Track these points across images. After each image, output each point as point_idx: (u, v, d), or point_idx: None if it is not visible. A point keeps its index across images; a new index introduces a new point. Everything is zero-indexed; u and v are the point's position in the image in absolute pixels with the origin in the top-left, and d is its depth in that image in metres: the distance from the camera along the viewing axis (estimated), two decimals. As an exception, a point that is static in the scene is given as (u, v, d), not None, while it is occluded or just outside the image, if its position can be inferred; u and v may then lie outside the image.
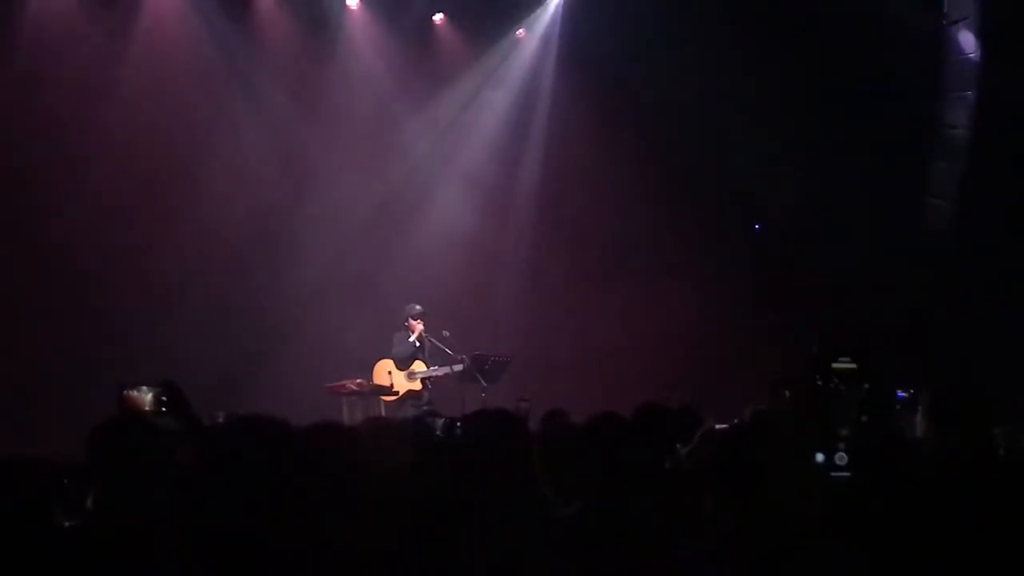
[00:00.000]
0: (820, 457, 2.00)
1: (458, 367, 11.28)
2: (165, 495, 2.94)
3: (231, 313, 12.11)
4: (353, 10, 13.69)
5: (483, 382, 11.03)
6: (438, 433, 3.42)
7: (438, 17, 14.09)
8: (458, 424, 3.45)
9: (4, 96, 11.40)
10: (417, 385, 11.60)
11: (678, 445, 5.65)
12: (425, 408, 10.61)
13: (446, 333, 11.48)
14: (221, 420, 6.44)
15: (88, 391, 8.43)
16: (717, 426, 6.07)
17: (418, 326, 11.64)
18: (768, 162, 12.85)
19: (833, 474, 1.97)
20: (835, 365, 2.03)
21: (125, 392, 4.07)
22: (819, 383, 2.02)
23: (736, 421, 6.11)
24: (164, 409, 3.94)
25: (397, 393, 11.55)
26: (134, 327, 11.44)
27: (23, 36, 11.69)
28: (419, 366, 11.66)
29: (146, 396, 4.04)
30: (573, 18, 14.00)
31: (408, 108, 13.76)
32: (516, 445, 3.83)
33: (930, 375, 6.05)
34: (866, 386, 2.00)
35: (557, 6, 14.26)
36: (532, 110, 14.40)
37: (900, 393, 4.96)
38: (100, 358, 10.50)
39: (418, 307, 11.72)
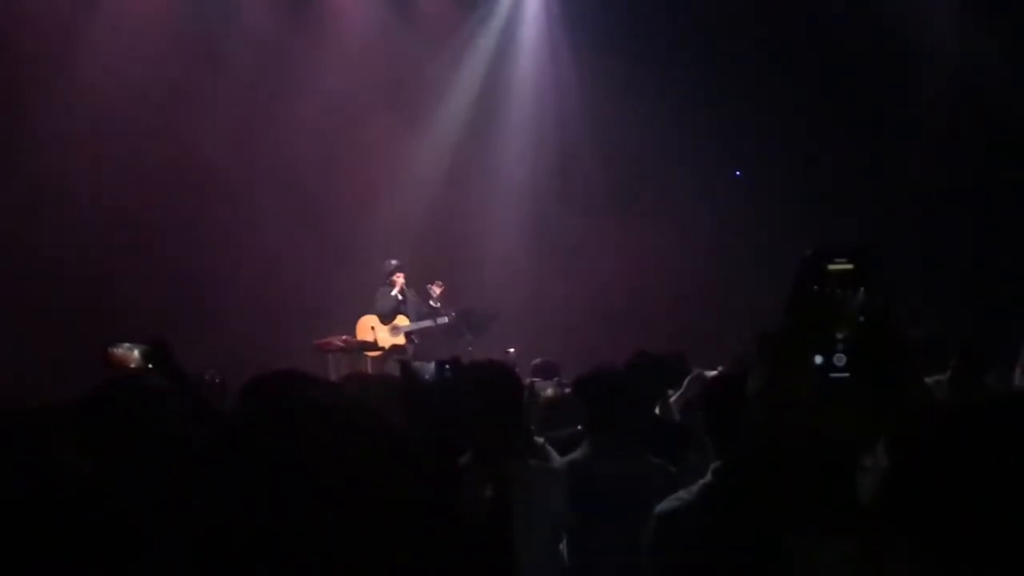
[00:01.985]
0: (818, 359, 1.95)
1: (442, 320, 11.26)
2: (172, 472, 2.89)
3: (213, 274, 12.01)
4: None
5: (469, 335, 11.03)
6: (427, 378, 3.39)
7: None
8: (447, 366, 3.41)
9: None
10: (401, 339, 11.59)
11: (669, 391, 5.68)
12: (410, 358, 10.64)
13: (436, 285, 11.44)
14: (207, 378, 6.42)
15: (73, 354, 8.38)
16: (707, 373, 6.09)
17: (399, 280, 11.61)
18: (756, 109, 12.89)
19: (832, 375, 1.93)
20: (831, 267, 1.97)
21: (110, 350, 4.00)
22: (814, 286, 1.97)
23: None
24: (151, 366, 3.88)
25: (382, 349, 11.53)
26: (115, 291, 11.32)
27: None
28: (402, 320, 11.64)
29: (132, 353, 3.97)
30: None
31: (389, 67, 13.63)
32: (510, 395, 3.82)
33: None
34: (863, 288, 1.95)
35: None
36: (514, 58, 14.32)
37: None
38: (81, 321, 10.39)
39: (394, 261, 11.68)
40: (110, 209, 11.65)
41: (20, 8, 11.56)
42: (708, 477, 3.19)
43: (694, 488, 3.23)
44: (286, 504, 1.64)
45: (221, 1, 12.82)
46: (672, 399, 5.72)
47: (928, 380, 4.62)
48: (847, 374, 1.94)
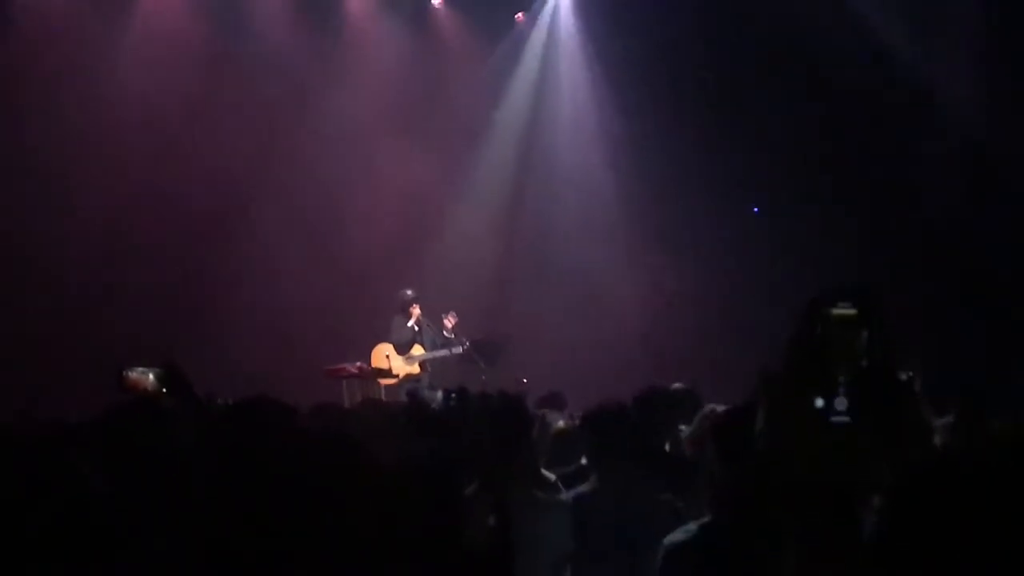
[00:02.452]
0: (819, 402, 1.96)
1: (457, 349, 11.29)
2: (170, 479, 2.95)
3: (227, 298, 12.07)
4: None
5: (482, 364, 11.04)
6: (434, 407, 3.42)
7: (436, 1, 14.09)
8: (453, 395, 3.44)
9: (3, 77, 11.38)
10: (415, 368, 11.61)
11: (681, 427, 5.67)
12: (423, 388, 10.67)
13: (451, 317, 11.47)
14: (220, 403, 6.45)
15: (85, 374, 8.44)
16: (720, 409, 6.09)
17: (415, 311, 11.63)
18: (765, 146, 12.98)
19: (833, 419, 1.94)
20: (834, 311, 1.98)
21: (125, 373, 4.06)
22: (817, 330, 1.98)
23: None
24: (165, 390, 3.93)
25: (396, 377, 11.55)
26: (132, 313, 11.39)
27: (18, 21, 11.66)
28: (417, 349, 11.67)
29: (146, 376, 4.02)
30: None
31: (410, 94, 13.73)
32: (516, 426, 3.85)
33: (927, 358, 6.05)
34: (866, 333, 1.96)
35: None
36: (536, 89, 14.44)
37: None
38: (97, 344, 10.45)
39: (410, 292, 11.71)
40: (124, 230, 11.73)
41: (47, 27, 11.70)
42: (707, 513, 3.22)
43: (700, 522, 3.26)
44: (271, 525, 1.68)
45: (243, 25, 12.92)
46: (684, 435, 5.71)
47: (937, 422, 4.63)
48: (848, 418, 1.95)
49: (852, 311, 1.98)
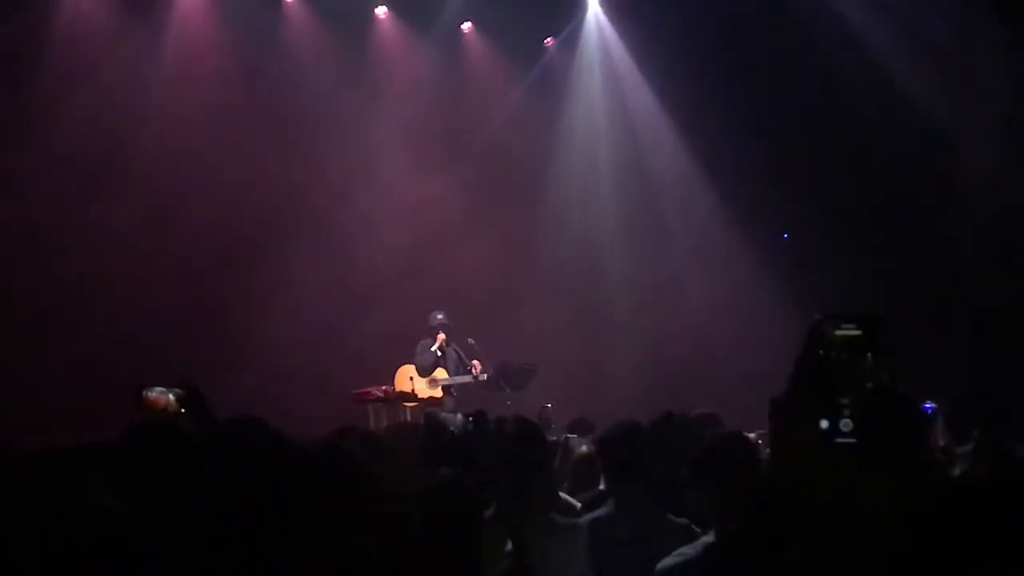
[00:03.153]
0: (824, 424, 1.94)
1: (482, 376, 11.28)
2: (184, 500, 2.95)
3: (253, 319, 12.12)
4: (381, 19, 13.86)
5: (508, 390, 11.02)
6: (452, 430, 3.43)
7: (466, 26, 14.19)
8: (470, 419, 3.45)
9: (38, 100, 11.53)
10: (438, 392, 11.59)
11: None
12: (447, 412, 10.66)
13: (471, 341, 11.48)
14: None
15: (104, 392, 8.51)
16: (748, 435, 6.05)
17: (440, 337, 11.62)
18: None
19: (838, 440, 1.92)
20: (838, 332, 1.97)
21: (144, 393, 4.08)
22: (820, 352, 1.97)
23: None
24: (183, 410, 3.95)
25: (420, 400, 11.55)
26: (155, 334, 11.46)
27: (56, 41, 11.83)
28: (441, 373, 11.66)
29: (165, 397, 4.05)
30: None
31: (437, 116, 13.80)
32: (534, 450, 3.83)
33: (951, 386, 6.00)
34: (871, 354, 1.94)
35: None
36: (559, 117, 14.49)
37: (926, 405, 4.92)
38: (119, 365, 10.51)
39: (440, 316, 11.70)
40: (148, 251, 11.83)
41: (82, 49, 11.88)
42: (711, 536, 3.23)
43: (698, 544, 3.28)
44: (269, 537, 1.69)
45: (273, 47, 13.07)
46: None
47: (958, 450, 4.59)
48: (853, 440, 1.93)
49: (856, 332, 1.96)
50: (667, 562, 3.38)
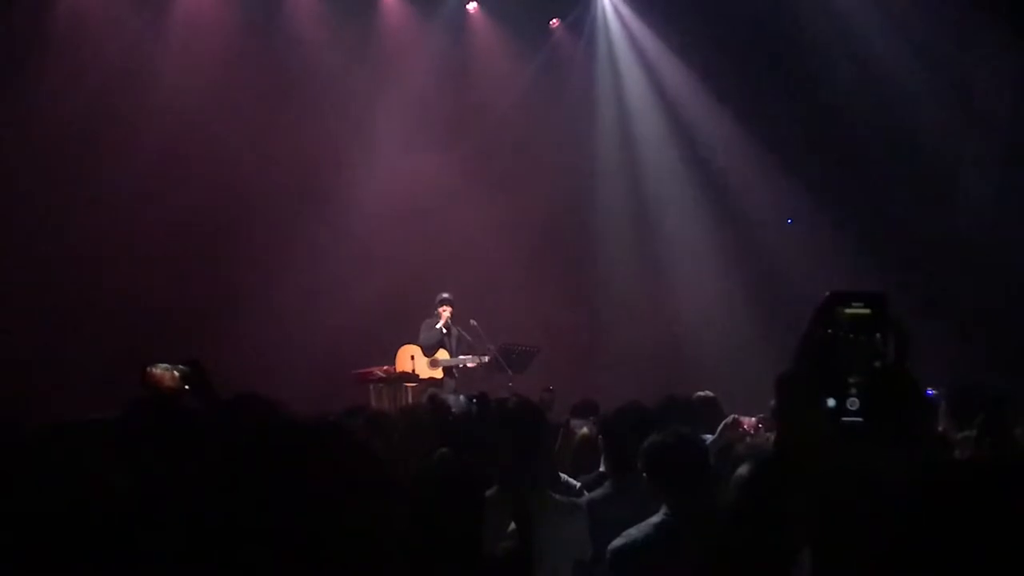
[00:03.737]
0: (831, 402, 1.93)
1: (485, 357, 11.30)
2: (187, 477, 2.96)
3: (258, 301, 12.15)
4: (388, 2, 13.86)
5: (509, 371, 11.04)
6: (454, 411, 3.45)
7: (472, 6, 14.16)
8: (474, 400, 3.47)
9: (43, 84, 11.54)
10: (439, 373, 11.61)
11: (705, 436, 5.66)
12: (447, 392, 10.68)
13: (473, 323, 11.50)
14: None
15: (107, 369, 8.53)
16: (742, 419, 6.08)
17: (444, 313, 11.65)
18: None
19: (844, 419, 1.92)
20: (847, 311, 1.96)
21: (148, 369, 4.09)
22: (828, 330, 1.96)
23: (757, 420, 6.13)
24: (187, 388, 3.96)
25: (420, 380, 11.56)
26: (155, 311, 11.50)
27: (60, 24, 11.86)
28: (443, 354, 11.67)
29: (169, 373, 4.05)
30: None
31: (443, 97, 13.79)
32: (534, 430, 3.86)
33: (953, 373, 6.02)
34: (879, 334, 1.93)
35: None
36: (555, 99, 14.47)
37: (928, 392, 4.93)
38: (125, 343, 10.54)
39: (445, 294, 11.73)
40: (151, 230, 11.85)
41: (87, 33, 11.89)
42: (661, 515, 3.35)
43: (645, 525, 3.40)
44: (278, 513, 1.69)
45: (279, 27, 13.07)
46: (708, 443, 5.70)
47: (958, 436, 4.60)
48: (860, 419, 1.93)
49: (865, 311, 1.96)
50: (617, 543, 3.54)
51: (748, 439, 5.42)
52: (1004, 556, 1.73)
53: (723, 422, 5.91)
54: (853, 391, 1.91)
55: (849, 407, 1.91)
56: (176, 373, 3.99)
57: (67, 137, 11.53)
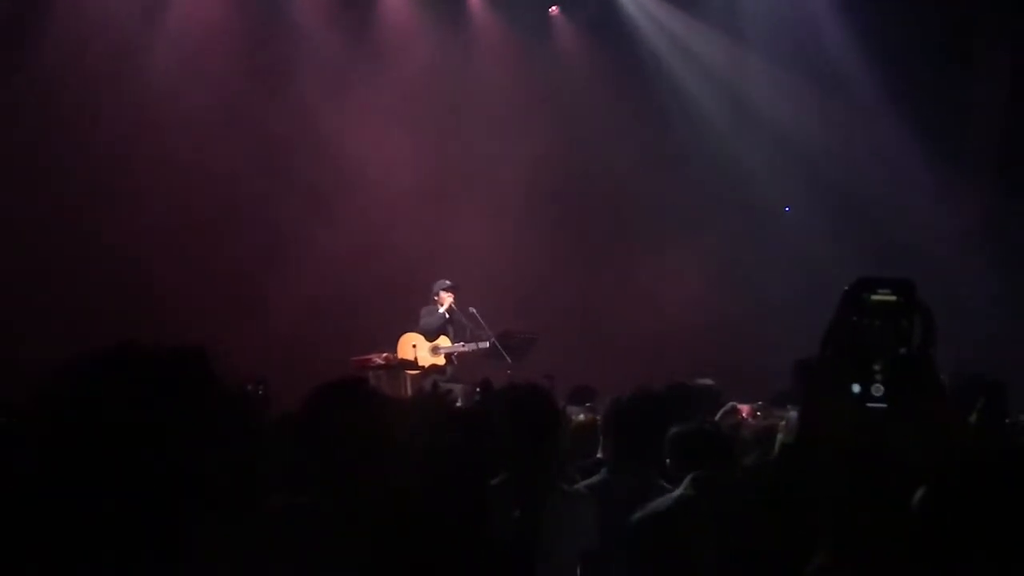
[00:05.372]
0: (856, 388, 1.96)
1: (484, 344, 11.31)
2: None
3: (258, 289, 12.16)
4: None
5: (509, 359, 11.06)
6: (458, 404, 3.46)
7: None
8: (477, 390, 3.48)
9: (40, 75, 11.58)
10: (441, 360, 11.63)
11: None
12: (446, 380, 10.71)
13: (472, 310, 11.51)
14: (250, 389, 6.53)
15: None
16: (741, 406, 6.13)
17: (447, 298, 11.66)
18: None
19: (869, 405, 1.94)
20: (873, 297, 1.98)
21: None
22: (854, 317, 1.98)
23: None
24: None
25: (422, 367, 11.59)
26: (160, 299, 11.52)
27: (57, 16, 11.88)
28: (444, 341, 11.69)
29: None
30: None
31: (440, 85, 13.78)
32: (542, 418, 3.86)
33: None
34: (905, 320, 1.96)
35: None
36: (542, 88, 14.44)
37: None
38: (127, 327, 10.54)
39: (448, 281, 11.74)
40: (157, 220, 11.89)
41: (87, 26, 11.89)
42: (683, 489, 3.41)
43: (665, 499, 3.48)
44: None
45: (279, 18, 13.06)
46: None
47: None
48: (885, 404, 1.95)
49: (892, 297, 1.98)
50: (639, 514, 3.60)
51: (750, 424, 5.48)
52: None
53: (722, 409, 5.96)
54: (878, 377, 1.93)
55: (874, 393, 1.93)
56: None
57: (61, 135, 11.58)
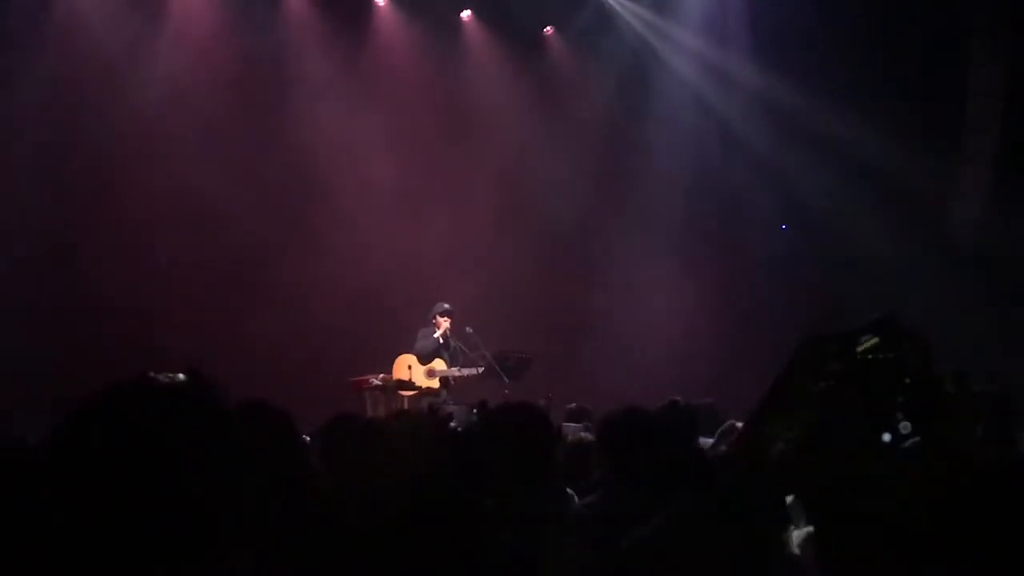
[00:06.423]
0: (886, 437, 1.92)
1: (479, 369, 11.27)
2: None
3: (255, 304, 12.13)
4: (380, 6, 13.86)
5: (505, 379, 11.01)
6: (453, 425, 3.42)
7: (465, 14, 14.17)
8: (474, 411, 3.43)
9: (40, 81, 11.61)
10: (435, 383, 11.57)
11: (704, 440, 5.68)
12: (442, 402, 10.65)
13: (469, 329, 11.47)
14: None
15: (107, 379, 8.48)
16: (739, 424, 6.08)
17: (444, 323, 11.61)
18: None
19: (903, 446, 1.90)
20: (859, 348, 1.94)
21: (150, 376, 4.06)
22: (855, 369, 1.94)
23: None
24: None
25: (418, 389, 11.53)
26: (152, 317, 11.50)
27: (56, 22, 11.97)
28: (440, 364, 11.64)
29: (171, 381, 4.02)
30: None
31: (435, 102, 13.80)
32: (538, 438, 3.82)
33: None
34: (897, 353, 1.92)
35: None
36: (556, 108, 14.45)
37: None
38: (118, 350, 10.52)
39: (446, 305, 11.69)
40: (149, 240, 11.92)
41: (84, 34, 11.95)
42: (665, 516, 3.38)
43: (648, 525, 3.43)
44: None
45: (270, 29, 13.09)
46: (707, 448, 5.71)
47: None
48: (917, 437, 1.91)
49: (875, 340, 1.94)
50: (633, 536, 3.55)
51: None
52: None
53: (720, 428, 5.93)
54: (900, 416, 1.89)
55: (903, 432, 1.89)
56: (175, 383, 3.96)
57: (60, 142, 11.59)
